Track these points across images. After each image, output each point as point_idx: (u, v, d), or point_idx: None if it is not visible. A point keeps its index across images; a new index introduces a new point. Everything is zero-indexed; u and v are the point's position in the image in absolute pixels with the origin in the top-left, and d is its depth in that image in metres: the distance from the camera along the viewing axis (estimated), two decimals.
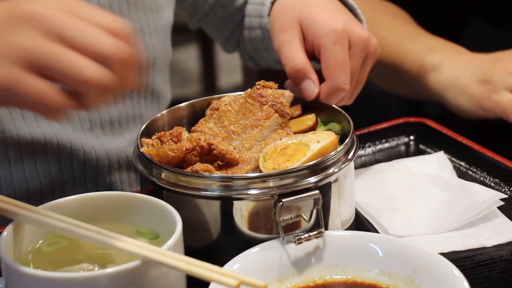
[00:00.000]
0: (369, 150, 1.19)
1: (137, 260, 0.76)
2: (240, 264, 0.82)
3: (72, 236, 0.81)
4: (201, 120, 0.98)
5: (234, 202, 0.85)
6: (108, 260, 0.82)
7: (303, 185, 0.85)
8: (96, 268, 0.80)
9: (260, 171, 0.87)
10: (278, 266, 0.84)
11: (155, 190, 0.88)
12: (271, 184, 0.84)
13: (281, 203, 0.83)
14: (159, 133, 0.93)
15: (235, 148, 0.91)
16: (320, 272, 0.85)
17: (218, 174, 0.86)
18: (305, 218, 0.86)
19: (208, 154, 0.88)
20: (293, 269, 0.85)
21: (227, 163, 0.88)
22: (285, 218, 0.85)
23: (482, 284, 0.88)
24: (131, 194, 0.87)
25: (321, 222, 0.85)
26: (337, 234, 0.88)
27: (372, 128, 1.20)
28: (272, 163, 0.86)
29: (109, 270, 0.75)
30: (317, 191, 0.85)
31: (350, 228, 0.94)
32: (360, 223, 1.00)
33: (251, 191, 0.84)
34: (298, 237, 0.84)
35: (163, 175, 0.87)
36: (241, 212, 0.85)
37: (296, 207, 0.85)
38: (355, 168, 1.13)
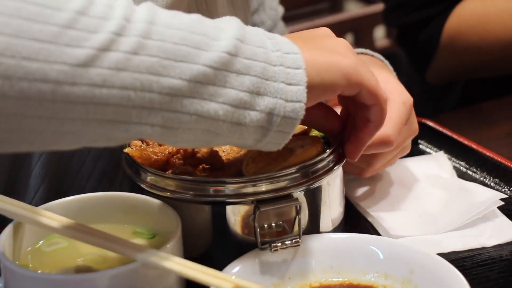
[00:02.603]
0: None
1: (135, 262, 0.76)
2: (236, 269, 0.82)
3: (68, 237, 0.81)
4: None
5: (213, 207, 0.85)
6: (108, 261, 0.82)
7: (283, 192, 0.84)
8: (93, 269, 0.80)
9: (243, 175, 0.86)
10: (273, 270, 0.84)
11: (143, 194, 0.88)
12: (250, 190, 0.83)
13: (258, 210, 0.82)
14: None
15: (223, 152, 0.91)
16: (316, 275, 0.85)
17: (194, 177, 0.85)
18: (284, 225, 0.85)
19: (192, 157, 0.88)
20: (289, 273, 0.84)
21: (212, 166, 0.87)
22: (263, 224, 0.84)
23: (482, 284, 0.87)
24: (129, 194, 0.87)
25: (300, 231, 0.84)
26: (332, 237, 0.88)
27: None
28: (254, 167, 0.85)
29: (107, 271, 0.75)
30: (297, 199, 0.84)
31: (338, 231, 0.93)
32: (360, 223, 1.00)
33: (230, 198, 0.83)
34: (274, 244, 0.83)
35: (148, 178, 0.86)
36: (227, 217, 0.85)
37: (275, 214, 0.84)
38: None
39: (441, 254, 0.84)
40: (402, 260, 0.84)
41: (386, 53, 1.99)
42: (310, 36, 0.83)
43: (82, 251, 0.83)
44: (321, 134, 0.92)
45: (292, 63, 0.75)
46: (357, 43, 2.00)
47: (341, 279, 0.85)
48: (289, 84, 0.74)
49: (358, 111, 0.84)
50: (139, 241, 0.83)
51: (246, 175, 0.85)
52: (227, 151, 0.91)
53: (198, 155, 0.87)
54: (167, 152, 0.88)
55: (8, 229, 0.82)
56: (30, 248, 0.84)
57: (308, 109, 0.75)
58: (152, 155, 0.87)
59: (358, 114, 0.84)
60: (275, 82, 0.73)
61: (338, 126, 0.87)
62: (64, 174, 1.06)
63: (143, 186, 0.87)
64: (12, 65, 0.64)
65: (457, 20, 1.42)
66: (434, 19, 1.44)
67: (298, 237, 0.84)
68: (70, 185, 1.07)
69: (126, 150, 0.89)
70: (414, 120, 1.01)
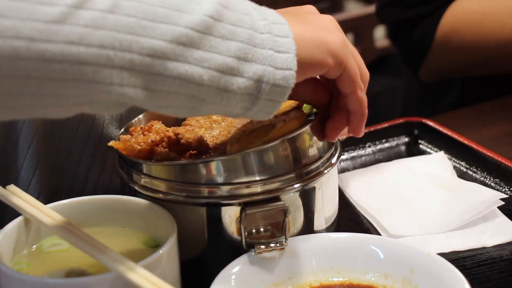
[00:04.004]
0: (369, 150, 1.19)
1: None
2: (236, 269, 0.82)
3: (63, 239, 0.81)
4: None
5: (206, 208, 0.85)
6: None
7: (271, 194, 0.83)
8: (87, 273, 0.80)
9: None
10: (274, 270, 0.84)
11: (136, 196, 0.88)
12: (239, 192, 0.83)
13: (244, 212, 0.82)
14: (131, 128, 0.91)
15: (213, 137, 0.89)
16: (316, 275, 0.85)
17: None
18: (272, 228, 0.84)
19: (178, 145, 0.86)
20: (289, 273, 0.84)
21: (198, 151, 0.86)
22: (252, 227, 0.83)
23: (482, 284, 0.87)
24: (128, 198, 0.87)
25: (286, 234, 0.84)
26: (332, 237, 0.88)
27: (372, 128, 1.20)
28: (238, 146, 0.84)
29: (96, 276, 0.75)
30: (284, 202, 0.83)
31: (331, 230, 0.93)
32: (360, 223, 1.00)
33: (220, 200, 0.83)
34: (258, 247, 0.83)
35: (142, 180, 0.86)
36: (218, 218, 0.85)
37: (263, 216, 0.84)
38: (355, 168, 1.14)
39: (441, 254, 0.84)
40: (402, 260, 0.83)
41: (386, 53, 2.00)
42: (297, 12, 0.82)
43: (83, 254, 0.83)
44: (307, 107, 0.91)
45: (280, 32, 0.74)
46: (357, 43, 2.00)
47: (341, 279, 0.85)
48: (278, 52, 0.73)
49: (337, 102, 0.83)
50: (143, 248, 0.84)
51: (228, 154, 0.84)
52: (216, 136, 0.90)
53: (182, 141, 0.86)
54: (149, 141, 0.86)
55: (9, 227, 0.82)
56: (35, 246, 0.84)
57: (295, 84, 0.75)
58: (136, 145, 0.86)
59: (338, 106, 0.84)
60: (263, 49, 0.72)
61: (326, 98, 0.85)
62: (55, 164, 1.06)
63: (135, 187, 0.86)
64: None
65: (452, 18, 1.42)
66: (429, 16, 1.44)
67: (284, 240, 0.84)
68: (63, 174, 1.07)
69: (110, 144, 0.88)
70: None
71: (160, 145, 0.86)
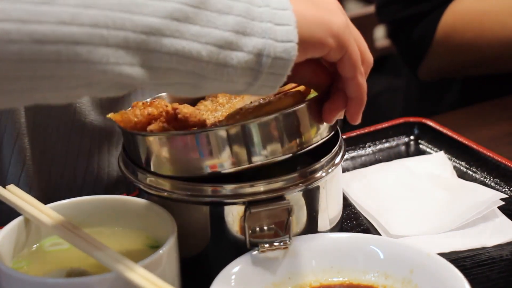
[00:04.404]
0: (369, 150, 1.19)
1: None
2: (236, 269, 0.82)
3: (63, 239, 0.81)
4: (201, 100, 0.96)
5: (209, 207, 0.84)
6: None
7: (276, 193, 0.83)
8: (87, 273, 0.80)
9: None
10: (274, 270, 0.84)
11: (141, 195, 0.88)
12: (244, 191, 0.83)
13: (249, 211, 0.82)
14: (134, 103, 0.91)
15: (214, 117, 0.89)
16: (316, 275, 0.85)
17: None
18: (276, 227, 0.84)
19: (176, 120, 0.85)
20: (289, 273, 0.84)
21: (194, 126, 0.85)
22: (256, 225, 0.83)
23: (482, 284, 0.87)
24: (127, 198, 0.88)
25: (290, 233, 0.84)
26: (332, 237, 0.88)
27: (372, 128, 1.20)
28: (233, 121, 0.83)
29: (96, 276, 0.75)
30: (289, 201, 0.83)
31: (335, 230, 0.93)
32: (360, 223, 1.00)
33: (225, 199, 0.84)
34: (262, 245, 0.83)
35: (147, 180, 0.86)
36: (223, 217, 0.84)
37: (267, 215, 0.84)
38: (355, 168, 1.14)
39: (441, 254, 0.84)
40: (402, 260, 0.83)
41: (386, 53, 1.99)
42: None
43: (82, 253, 0.83)
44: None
45: (278, 4, 0.73)
46: None
47: (341, 279, 0.85)
48: (278, 24, 0.72)
49: (337, 84, 0.82)
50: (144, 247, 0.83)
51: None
52: (218, 117, 0.90)
53: (179, 115, 0.85)
54: (146, 114, 0.86)
55: (9, 227, 0.82)
56: (35, 246, 0.84)
57: (295, 64, 0.74)
58: (132, 117, 0.86)
59: (337, 90, 0.83)
60: (261, 22, 0.72)
61: (327, 80, 0.84)
62: (43, 157, 1.06)
63: (140, 186, 0.87)
64: None
65: (453, 16, 1.42)
66: (429, 15, 1.44)
67: (287, 239, 0.84)
68: (51, 165, 1.07)
69: (108, 116, 0.87)
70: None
71: (158, 119, 0.86)
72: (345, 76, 0.80)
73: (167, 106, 0.86)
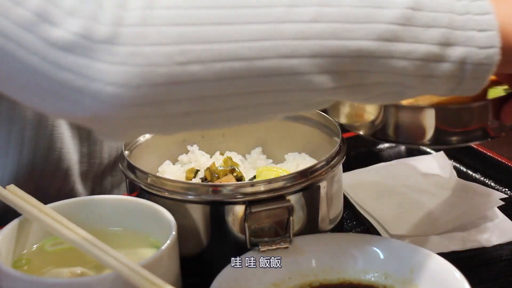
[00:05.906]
0: (369, 150, 1.19)
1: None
2: (236, 269, 0.82)
3: (63, 239, 0.81)
4: None
5: (210, 207, 0.85)
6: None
7: (276, 193, 0.84)
8: (88, 274, 0.80)
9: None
10: (274, 270, 0.84)
11: (141, 195, 0.88)
12: (245, 191, 0.83)
13: (249, 211, 0.83)
14: None
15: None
16: (316, 275, 0.85)
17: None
18: (277, 227, 0.85)
19: None
20: (289, 273, 0.84)
21: None
22: (256, 225, 0.84)
23: (482, 284, 0.87)
24: (127, 198, 0.88)
25: (290, 233, 0.84)
26: (332, 237, 0.88)
27: None
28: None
29: (99, 276, 0.76)
30: (289, 201, 0.84)
31: (336, 230, 0.93)
32: (360, 223, 1.00)
33: (226, 198, 0.84)
34: (262, 245, 0.83)
35: (149, 179, 0.87)
36: (223, 217, 0.85)
37: (268, 215, 0.84)
38: (356, 168, 1.14)
39: (441, 254, 0.84)
40: (402, 260, 0.83)
41: None
42: None
43: (82, 253, 0.83)
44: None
45: (479, 10, 0.72)
46: None
47: (341, 279, 0.85)
48: (480, 31, 0.72)
49: None
50: (145, 248, 0.84)
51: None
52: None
53: None
54: None
55: (9, 227, 0.82)
56: (36, 245, 0.85)
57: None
58: None
59: None
60: (464, 31, 0.71)
61: None
62: (35, 156, 1.07)
63: (141, 186, 0.87)
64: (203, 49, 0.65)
65: None
66: None
67: (288, 238, 0.84)
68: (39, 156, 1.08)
69: None
70: None
71: None
72: None
73: None
